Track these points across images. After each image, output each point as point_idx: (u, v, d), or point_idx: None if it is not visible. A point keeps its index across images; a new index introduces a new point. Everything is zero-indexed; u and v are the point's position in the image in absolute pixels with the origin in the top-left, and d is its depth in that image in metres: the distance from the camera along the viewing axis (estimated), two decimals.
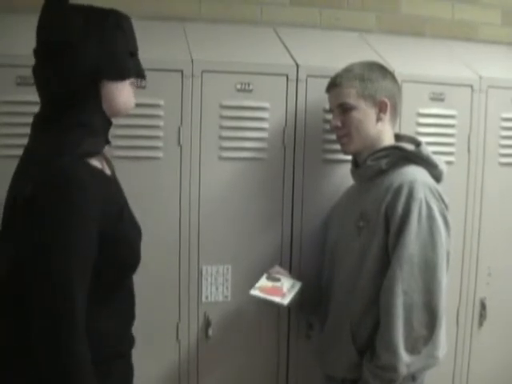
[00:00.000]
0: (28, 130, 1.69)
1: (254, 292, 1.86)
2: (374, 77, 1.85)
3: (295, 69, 2.06)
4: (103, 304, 1.36)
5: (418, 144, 1.85)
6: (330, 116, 1.96)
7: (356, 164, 1.95)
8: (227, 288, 2.07)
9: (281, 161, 2.08)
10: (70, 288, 1.21)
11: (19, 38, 1.92)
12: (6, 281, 1.29)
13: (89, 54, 1.33)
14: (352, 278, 1.80)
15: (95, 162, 1.36)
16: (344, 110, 1.86)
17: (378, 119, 1.86)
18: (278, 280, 1.92)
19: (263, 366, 2.13)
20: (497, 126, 2.29)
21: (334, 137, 1.95)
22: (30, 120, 1.71)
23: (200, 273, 2.04)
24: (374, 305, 1.73)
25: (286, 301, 1.85)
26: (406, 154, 1.81)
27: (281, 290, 1.88)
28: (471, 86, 2.25)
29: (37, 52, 1.37)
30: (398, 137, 1.93)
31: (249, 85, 2.03)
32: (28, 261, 1.22)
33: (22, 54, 1.82)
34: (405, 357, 1.65)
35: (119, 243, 1.36)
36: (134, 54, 1.43)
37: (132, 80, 1.44)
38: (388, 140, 1.88)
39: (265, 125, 2.05)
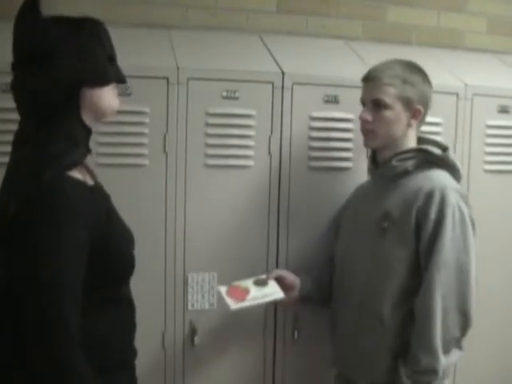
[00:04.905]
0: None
1: (220, 287, 1.88)
2: (414, 80, 1.82)
3: (281, 76, 2.06)
4: (101, 314, 1.36)
5: (444, 148, 1.86)
6: (315, 124, 1.97)
7: (374, 160, 1.92)
8: (213, 296, 2.06)
9: (267, 168, 2.08)
10: (61, 302, 1.21)
11: (2, 45, 1.91)
12: (1, 298, 1.28)
13: (68, 65, 1.32)
14: (376, 279, 1.79)
15: (76, 174, 1.34)
16: (377, 105, 1.82)
17: (409, 124, 1.83)
18: (265, 284, 1.91)
19: (249, 374, 2.12)
20: (482, 134, 2.31)
21: (319, 144, 1.96)
22: (15, 127, 1.71)
23: (186, 280, 2.03)
24: (400, 307, 1.76)
25: (234, 306, 1.82)
26: (431, 157, 1.81)
27: (244, 295, 1.86)
28: (457, 94, 2.26)
29: (14, 66, 1.36)
30: (420, 139, 1.91)
31: (235, 92, 2.03)
32: (18, 277, 1.22)
33: (6, 61, 1.83)
34: (443, 359, 1.68)
35: (110, 248, 1.36)
36: (112, 58, 1.43)
37: (113, 85, 1.44)
38: (412, 142, 1.86)
39: (251, 132, 2.06)
